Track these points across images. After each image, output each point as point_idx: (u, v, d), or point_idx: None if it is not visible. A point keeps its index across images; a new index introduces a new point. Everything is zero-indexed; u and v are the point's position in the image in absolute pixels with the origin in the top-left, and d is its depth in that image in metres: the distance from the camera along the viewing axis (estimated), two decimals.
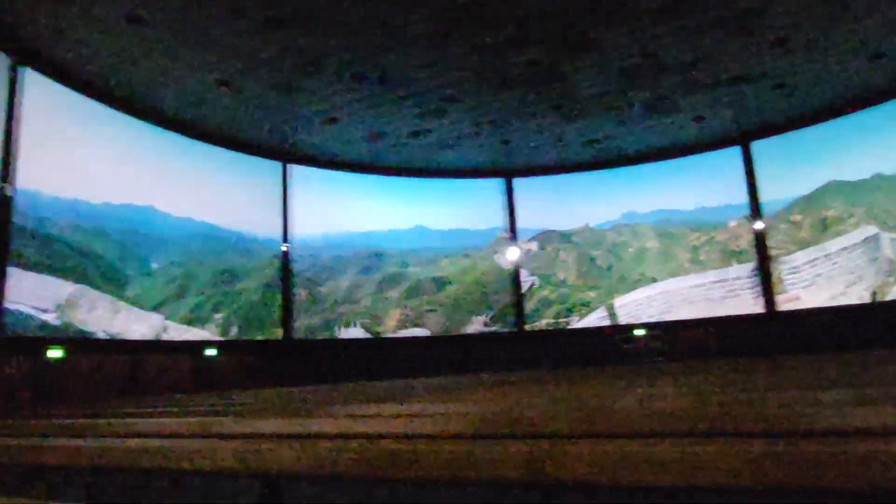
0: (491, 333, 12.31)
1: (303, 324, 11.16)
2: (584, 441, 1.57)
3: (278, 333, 10.76)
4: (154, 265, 9.16)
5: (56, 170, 7.82)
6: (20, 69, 7.58)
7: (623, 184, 12.53)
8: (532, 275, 12.64)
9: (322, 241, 11.75)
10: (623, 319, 11.85)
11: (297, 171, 11.50)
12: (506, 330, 12.37)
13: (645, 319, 11.64)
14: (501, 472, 1.62)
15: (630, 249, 12.33)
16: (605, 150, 11.79)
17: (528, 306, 12.46)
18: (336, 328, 11.56)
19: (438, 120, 10.08)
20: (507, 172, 12.80)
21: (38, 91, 7.73)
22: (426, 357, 11.24)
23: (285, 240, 11.16)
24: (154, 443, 2.34)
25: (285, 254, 11.10)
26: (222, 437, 2.59)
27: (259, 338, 10.48)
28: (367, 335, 11.73)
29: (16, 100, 7.45)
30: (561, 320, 12.25)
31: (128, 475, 2.19)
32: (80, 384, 7.46)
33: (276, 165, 11.21)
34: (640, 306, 11.80)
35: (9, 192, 7.20)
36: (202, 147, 10.02)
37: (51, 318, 7.37)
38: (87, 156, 8.32)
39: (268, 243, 10.96)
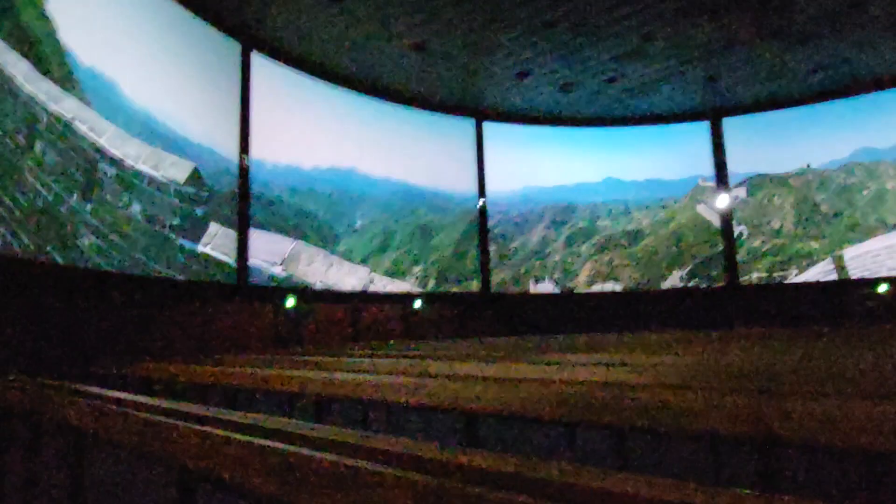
0: (692, 288, 11.49)
1: (495, 278, 11.42)
2: (814, 400, 1.34)
3: (472, 287, 11.15)
4: (359, 222, 9.97)
5: (273, 140, 8.77)
6: (251, 55, 8.66)
7: (856, 116, 10.70)
8: (739, 224, 11.47)
9: (512, 197, 11.83)
10: (855, 273, 10.28)
11: (488, 127, 11.67)
12: (707, 285, 11.46)
13: (885, 273, 9.97)
14: (720, 424, 1.46)
15: (864, 192, 10.58)
16: (834, 77, 10.14)
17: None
18: (527, 282, 11.64)
19: (635, 63, 9.44)
20: (715, 113, 11.65)
21: (258, 72, 8.70)
22: (619, 313, 10.88)
23: (481, 194, 11.46)
24: (370, 377, 2.51)
25: (481, 209, 11.40)
26: (430, 376, 2.70)
27: (454, 290, 10.95)
28: (558, 290, 11.64)
29: (249, 82, 8.56)
30: (775, 274, 10.99)
31: (350, 403, 2.38)
32: (310, 328, 8.48)
33: (469, 123, 11.49)
34: (877, 258, 10.13)
35: (247, 163, 8.29)
36: (399, 110, 10.57)
37: (278, 270, 8.41)
38: (298, 125, 9.20)
39: (460, 199, 11.30)
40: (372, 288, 9.67)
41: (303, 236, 8.97)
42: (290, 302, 8.33)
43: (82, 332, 5.61)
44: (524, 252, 11.79)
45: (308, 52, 9.02)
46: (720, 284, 11.37)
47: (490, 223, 11.56)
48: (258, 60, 8.79)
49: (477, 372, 2.62)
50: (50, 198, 5.47)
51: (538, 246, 11.87)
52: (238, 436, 1.14)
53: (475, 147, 11.58)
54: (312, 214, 9.32)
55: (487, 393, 1.92)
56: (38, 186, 5.35)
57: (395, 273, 10.17)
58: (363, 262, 9.74)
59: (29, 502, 2.38)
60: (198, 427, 1.27)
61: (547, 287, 11.69)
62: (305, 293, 8.59)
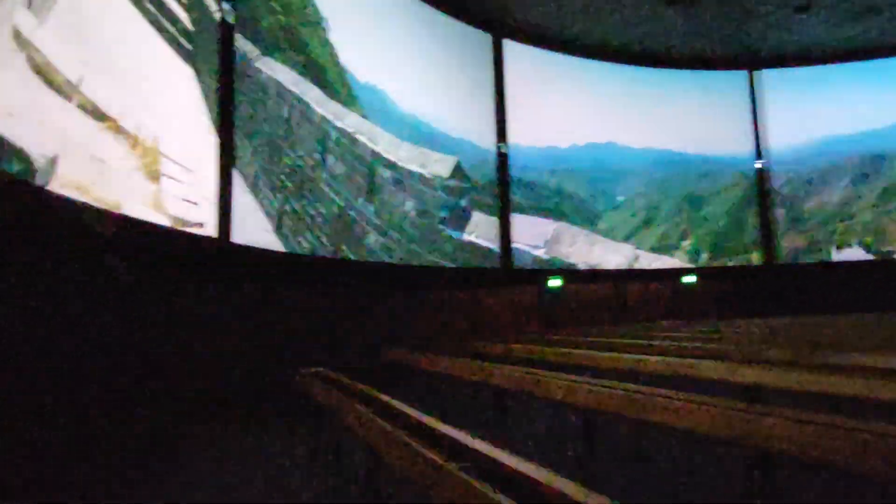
0: None
1: (783, 247, 9.93)
2: None
3: (753, 258, 9.88)
4: (620, 198, 9.56)
5: (529, 124, 8.86)
6: (503, 42, 8.90)
7: None
8: None
9: (801, 152, 10.12)
10: None
11: (763, 76, 10.16)
12: None
13: None
14: None
15: None
16: None
17: None
18: (826, 250, 9.88)
19: None
20: None
21: (509, 58, 8.87)
22: None
23: (758, 156, 10.05)
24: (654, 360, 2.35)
25: (760, 171, 10.01)
26: (721, 359, 2.43)
27: (731, 264, 9.83)
28: (869, 256, 9.64)
29: (502, 71, 8.83)
30: None
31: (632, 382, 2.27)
32: (574, 309, 8.47)
33: (738, 76, 10.15)
34: None
35: (504, 150, 8.58)
36: (657, 74, 9.81)
37: (541, 252, 8.52)
38: (552, 106, 9.15)
39: (733, 162, 10.06)
40: (637, 265, 9.21)
41: (564, 217, 8.94)
42: (555, 283, 8.38)
43: (372, 320, 6.39)
44: (822, 215, 10.02)
45: (560, 28, 8.88)
46: None
47: (775, 184, 10.07)
48: (509, 47, 8.96)
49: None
50: (342, 203, 6.32)
51: (840, 206, 9.97)
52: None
53: (749, 102, 10.16)
54: (572, 194, 9.23)
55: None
56: (332, 195, 6.22)
57: (661, 248, 9.53)
58: (627, 238, 9.32)
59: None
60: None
61: (853, 253, 9.76)
62: (569, 274, 8.56)
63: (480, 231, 8.05)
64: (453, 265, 7.58)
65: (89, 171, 2.97)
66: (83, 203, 2.97)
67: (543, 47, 9.11)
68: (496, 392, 3.21)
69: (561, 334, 5.58)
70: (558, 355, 3.32)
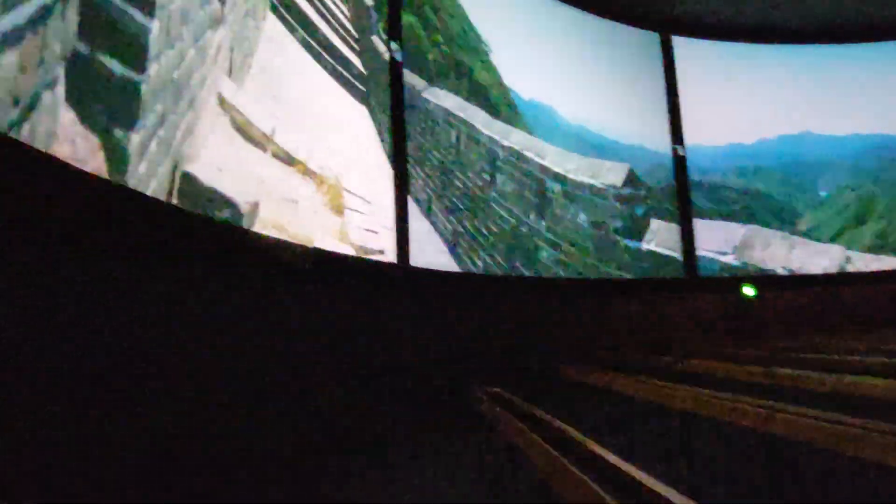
0: None
1: None
2: None
3: None
4: (822, 193, 8.43)
5: (708, 123, 8.22)
6: (672, 38, 8.42)
7: None
8: None
9: None
10: None
11: None
12: None
13: None
14: None
15: None
16: None
17: None
18: None
19: None
20: None
21: (680, 55, 8.34)
22: None
23: None
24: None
25: None
26: None
27: None
28: None
29: (673, 69, 8.33)
30: None
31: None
32: (771, 319, 7.63)
33: None
34: None
35: (681, 153, 8.06)
36: (851, 50, 8.54)
37: (729, 259, 7.80)
38: (733, 100, 8.40)
39: None
40: (849, 268, 8.02)
41: (754, 219, 8.11)
42: (748, 291, 7.61)
43: (548, 335, 6.30)
44: None
45: (734, 14, 8.16)
46: None
47: None
48: (679, 43, 8.44)
49: None
50: (513, 221, 6.37)
51: None
52: None
53: None
54: (763, 193, 8.34)
55: None
56: (503, 213, 6.29)
57: (880, 248, 8.20)
58: (834, 239, 8.17)
59: None
60: None
61: None
62: (764, 280, 7.72)
63: (660, 239, 7.61)
64: (632, 276, 7.24)
65: (285, 211, 3.31)
66: (283, 240, 3.32)
67: (716, 39, 8.42)
68: (682, 417, 2.98)
69: (761, 348, 5.04)
70: (761, 375, 3.00)
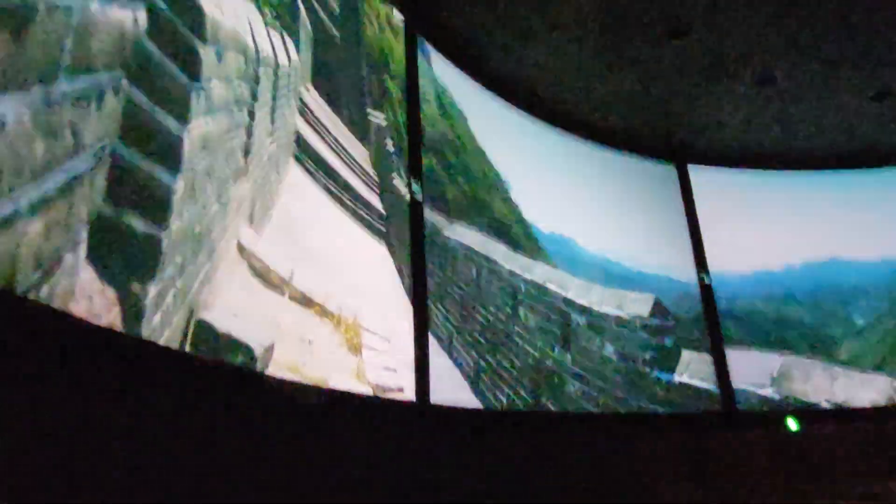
0: None
1: None
2: None
3: None
4: (860, 320, 8.17)
5: (731, 249, 8.23)
6: (687, 169, 8.68)
7: None
8: None
9: None
10: None
11: None
12: None
13: None
14: None
15: None
16: None
17: None
18: None
19: None
20: None
21: (697, 183, 8.55)
22: None
23: None
24: None
25: None
26: None
27: None
28: None
29: (691, 197, 8.50)
30: None
31: None
32: (820, 457, 7.10)
33: None
34: None
35: (707, 281, 8.01)
36: (873, 175, 8.68)
37: (768, 391, 7.45)
38: (754, 226, 8.45)
39: None
40: None
41: (790, 348, 7.83)
42: (793, 424, 7.18)
43: (576, 474, 5.93)
44: None
45: (752, 144, 8.44)
46: None
47: None
48: (696, 172, 8.69)
49: None
50: (537, 354, 6.24)
51: None
52: None
53: None
54: (796, 321, 8.13)
55: None
56: (527, 347, 6.19)
57: None
58: (878, 368, 7.79)
59: None
60: None
61: None
62: (808, 414, 7.29)
63: (693, 371, 7.35)
64: (665, 411, 6.91)
65: (300, 352, 3.30)
66: (296, 382, 3.29)
67: (733, 167, 8.66)
68: None
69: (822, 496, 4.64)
70: None
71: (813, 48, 6.45)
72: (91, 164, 1.84)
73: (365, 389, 4.11)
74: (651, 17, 6.06)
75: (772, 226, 8.47)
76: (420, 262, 5.22)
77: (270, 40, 3.44)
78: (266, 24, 3.44)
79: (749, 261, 8.28)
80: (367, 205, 4.59)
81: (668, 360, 7.24)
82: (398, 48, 5.78)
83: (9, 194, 1.48)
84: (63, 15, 1.72)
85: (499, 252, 6.43)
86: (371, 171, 4.76)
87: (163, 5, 2.36)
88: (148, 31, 2.24)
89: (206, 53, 2.64)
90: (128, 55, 2.08)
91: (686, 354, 7.37)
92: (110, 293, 1.96)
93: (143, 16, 2.22)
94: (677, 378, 7.17)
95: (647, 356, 7.06)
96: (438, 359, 5.24)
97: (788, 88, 7.13)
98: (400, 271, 4.89)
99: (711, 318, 7.77)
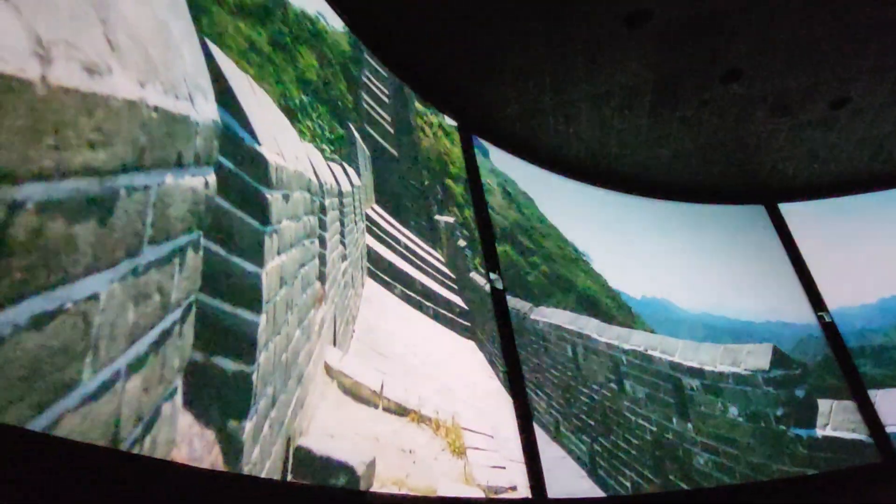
0: None
1: None
2: None
3: None
4: None
5: (846, 281, 7.61)
6: (778, 207, 8.29)
7: None
8: None
9: None
10: None
11: None
12: None
13: None
14: None
15: None
16: None
17: None
18: None
19: None
20: None
21: (794, 220, 8.11)
22: None
23: None
24: None
25: None
26: None
27: None
28: None
29: (790, 237, 8.05)
30: None
31: None
32: None
33: None
34: None
35: (827, 319, 7.38)
36: None
37: None
38: (866, 252, 7.81)
39: None
40: None
41: None
42: None
43: None
44: None
45: (838, 172, 7.98)
46: None
47: None
48: (788, 208, 8.27)
49: None
50: (654, 429, 5.87)
51: None
52: None
53: None
54: None
55: None
56: (641, 421, 5.85)
57: None
58: None
59: None
60: None
61: None
62: None
63: (836, 421, 6.63)
64: (813, 471, 6.20)
65: (402, 464, 3.29)
66: (403, 495, 3.26)
67: (825, 196, 8.17)
68: None
69: None
70: None
71: (876, 65, 6.17)
72: (178, 317, 2.02)
73: (476, 492, 4.00)
74: (699, 65, 6.04)
75: (885, 248, 7.79)
76: (512, 350, 5.17)
77: (332, 172, 3.72)
78: (326, 158, 3.74)
79: (871, 290, 7.59)
80: (449, 304, 4.67)
81: (805, 413, 6.58)
82: (455, 150, 6.05)
83: (108, 360, 1.65)
84: (142, 195, 1.97)
85: (591, 326, 6.26)
86: (448, 272, 4.87)
87: (229, 164, 2.64)
88: (218, 188, 2.50)
89: (274, 198, 2.90)
90: (203, 214, 2.32)
91: (824, 404, 6.69)
92: (209, 435, 2.08)
93: (212, 178, 2.48)
94: (820, 432, 6.48)
95: (779, 412, 6.46)
96: (548, 449, 5.04)
97: (863, 108, 6.77)
98: (492, 364, 4.86)
99: (843, 359, 7.07)
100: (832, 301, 7.49)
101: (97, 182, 1.73)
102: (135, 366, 1.76)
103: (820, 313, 7.44)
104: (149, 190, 2.04)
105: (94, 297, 1.66)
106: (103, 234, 1.74)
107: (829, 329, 7.27)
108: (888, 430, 6.57)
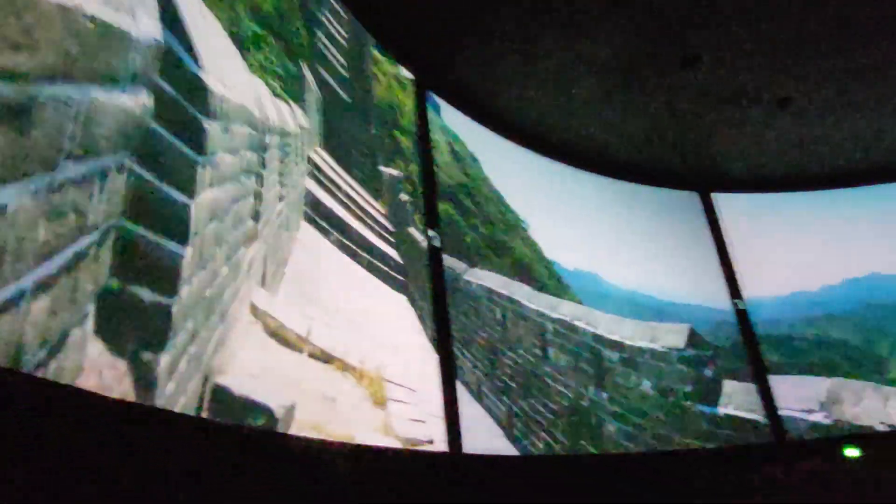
0: None
1: None
2: None
3: None
4: None
5: (764, 273, 8.02)
6: (711, 196, 8.58)
7: None
8: None
9: None
10: None
11: None
12: None
13: None
14: None
15: None
16: None
17: None
18: None
19: None
20: None
21: (725, 210, 8.42)
22: None
23: None
24: None
25: None
26: None
27: None
28: None
29: (718, 224, 8.37)
30: None
31: None
32: (882, 482, 6.69)
33: None
34: None
35: (741, 307, 7.79)
36: None
37: (818, 417, 7.11)
38: (785, 248, 8.24)
39: None
40: None
41: (836, 370, 7.51)
42: (851, 452, 6.80)
43: None
44: None
45: (777, 167, 8.30)
46: None
47: None
48: (720, 198, 8.57)
49: None
50: (571, 395, 6.11)
51: None
52: None
53: None
54: (839, 342, 7.82)
55: None
56: (560, 388, 6.07)
57: None
58: None
59: None
60: None
61: None
62: (866, 439, 6.91)
63: (737, 401, 7.07)
64: (712, 445, 6.64)
65: (323, 410, 3.30)
66: (320, 440, 3.28)
67: (758, 191, 8.52)
68: None
69: None
70: None
71: (826, 67, 6.41)
72: (96, 240, 1.92)
73: (393, 443, 4.07)
74: (662, 49, 6.11)
75: (805, 246, 8.25)
76: (442, 309, 5.21)
77: (278, 109, 3.58)
78: (274, 94, 3.59)
79: (785, 284, 8.05)
80: (384, 256, 4.65)
81: (710, 392, 6.99)
82: (408, 103, 5.94)
83: (13, 277, 1.55)
84: (65, 107, 1.83)
85: (523, 293, 6.39)
86: (387, 224, 4.84)
87: (170, 89, 2.50)
88: (155, 113, 2.36)
89: (213, 128, 2.77)
90: (132, 136, 2.19)
91: (728, 385, 7.11)
92: (121, 365, 2.01)
93: (148, 100, 2.34)
94: (721, 410, 6.91)
95: (688, 389, 6.83)
96: (469, 407, 5.16)
97: (805, 109, 7.04)
98: (422, 320, 4.90)
99: (751, 345, 7.51)
100: (749, 290, 7.89)
101: (17, 87, 1.60)
102: (43, 286, 1.66)
103: (735, 300, 7.83)
104: (74, 102, 1.90)
105: (0, 209, 1.55)
106: (17, 143, 1.62)
107: (742, 316, 7.68)
108: (781, 412, 7.07)
